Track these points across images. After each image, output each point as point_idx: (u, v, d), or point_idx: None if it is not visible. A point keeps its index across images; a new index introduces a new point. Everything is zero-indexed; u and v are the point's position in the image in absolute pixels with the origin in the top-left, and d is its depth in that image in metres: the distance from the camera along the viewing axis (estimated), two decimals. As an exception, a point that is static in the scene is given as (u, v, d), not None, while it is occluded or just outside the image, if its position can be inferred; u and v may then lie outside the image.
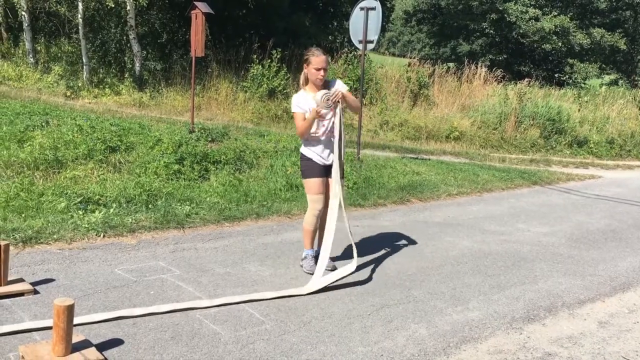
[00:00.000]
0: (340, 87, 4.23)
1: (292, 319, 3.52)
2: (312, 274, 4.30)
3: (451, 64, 21.82)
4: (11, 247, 4.13)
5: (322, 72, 4.12)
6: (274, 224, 5.70)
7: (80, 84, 12.63)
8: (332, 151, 4.29)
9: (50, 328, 2.94)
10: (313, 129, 4.22)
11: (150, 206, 5.67)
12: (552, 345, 3.46)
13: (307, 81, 4.28)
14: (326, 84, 4.24)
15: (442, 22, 29.75)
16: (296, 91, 4.47)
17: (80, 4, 12.85)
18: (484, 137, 13.49)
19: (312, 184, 4.30)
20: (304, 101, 4.22)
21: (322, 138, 4.27)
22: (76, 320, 3.01)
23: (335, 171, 4.25)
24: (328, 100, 4.06)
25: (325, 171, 4.32)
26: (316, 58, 4.12)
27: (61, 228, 4.71)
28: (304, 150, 4.36)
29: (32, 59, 13.58)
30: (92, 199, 5.60)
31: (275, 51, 12.96)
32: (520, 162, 11.68)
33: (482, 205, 7.50)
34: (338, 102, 4.12)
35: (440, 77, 16.26)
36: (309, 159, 4.30)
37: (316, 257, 4.38)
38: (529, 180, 9.48)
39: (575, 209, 7.65)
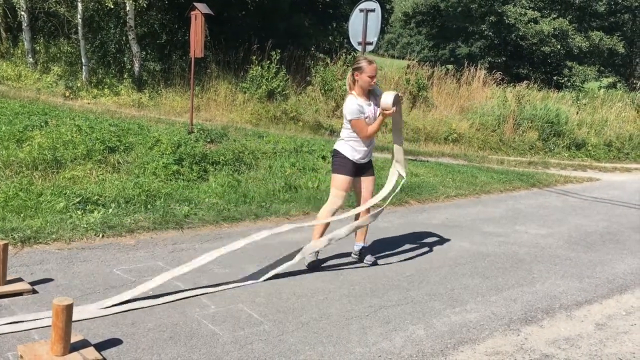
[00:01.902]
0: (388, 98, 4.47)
1: (290, 319, 3.53)
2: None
3: (450, 66, 21.87)
4: (10, 247, 4.15)
5: (374, 79, 4.36)
6: (273, 225, 5.70)
7: (79, 84, 12.61)
8: (367, 151, 4.49)
9: (48, 327, 2.94)
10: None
11: (149, 206, 5.67)
12: (550, 347, 3.47)
13: (351, 86, 4.45)
14: (371, 90, 4.45)
15: (441, 24, 29.81)
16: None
17: (79, 5, 12.84)
18: (482, 139, 13.50)
19: (339, 180, 4.44)
20: (364, 107, 4.37)
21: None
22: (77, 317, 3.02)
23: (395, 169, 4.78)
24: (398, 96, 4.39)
25: (356, 171, 4.48)
26: (370, 66, 4.35)
27: (60, 228, 4.72)
28: (341, 147, 4.49)
29: (31, 59, 13.56)
30: (91, 199, 5.61)
31: (274, 52, 12.96)
32: (519, 165, 11.70)
33: (481, 207, 7.52)
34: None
35: (439, 79, 16.27)
36: (344, 157, 4.45)
37: (318, 254, 4.53)
38: (527, 182, 9.50)
39: (573, 212, 7.67)
